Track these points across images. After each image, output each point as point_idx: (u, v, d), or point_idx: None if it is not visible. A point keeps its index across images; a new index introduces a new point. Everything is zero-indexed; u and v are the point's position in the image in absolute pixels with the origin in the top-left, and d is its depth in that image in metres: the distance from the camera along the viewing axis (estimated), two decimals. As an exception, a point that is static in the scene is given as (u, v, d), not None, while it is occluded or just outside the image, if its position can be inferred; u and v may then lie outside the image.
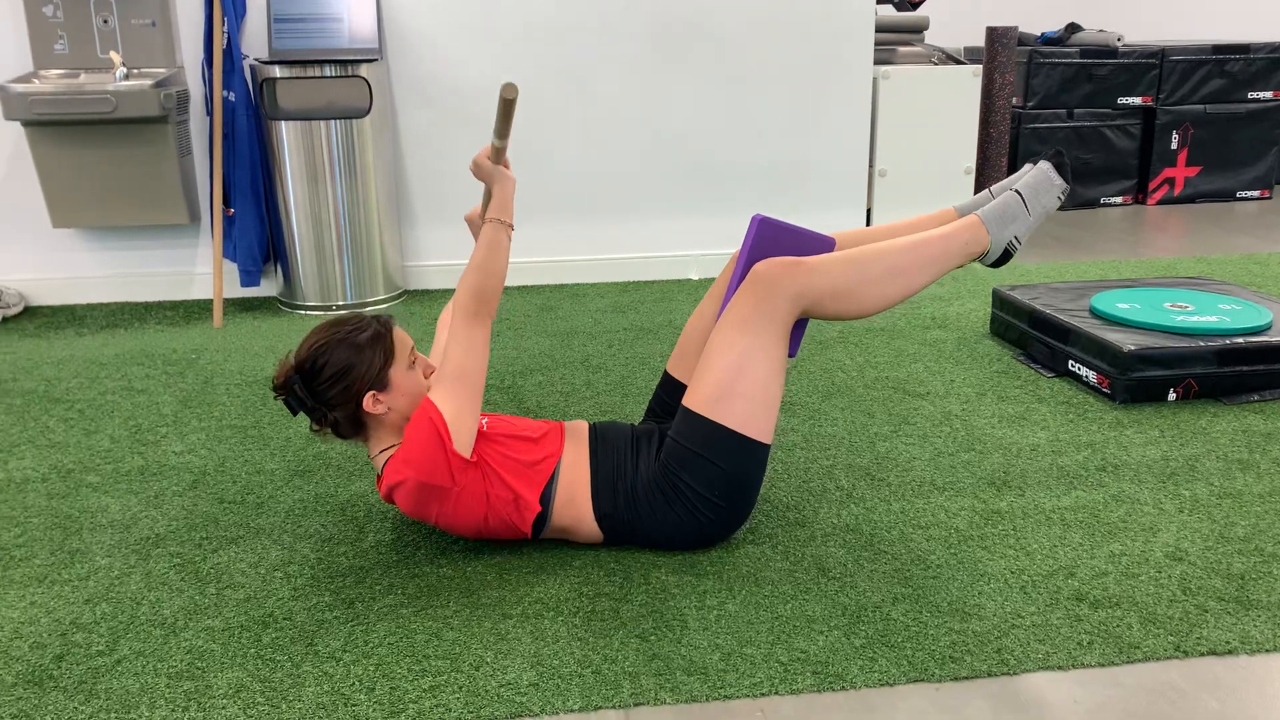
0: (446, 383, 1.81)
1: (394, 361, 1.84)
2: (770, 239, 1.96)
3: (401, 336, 1.88)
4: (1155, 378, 2.64)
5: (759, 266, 1.88)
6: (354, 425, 1.86)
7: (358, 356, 1.81)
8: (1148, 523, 2.03)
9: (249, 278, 3.75)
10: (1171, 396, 2.66)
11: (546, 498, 1.89)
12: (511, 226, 1.91)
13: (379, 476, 1.88)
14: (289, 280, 3.75)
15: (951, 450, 2.39)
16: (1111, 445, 2.41)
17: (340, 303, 3.72)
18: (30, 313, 3.74)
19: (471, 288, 1.84)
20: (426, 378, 1.90)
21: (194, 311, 3.72)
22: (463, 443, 1.80)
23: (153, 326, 3.54)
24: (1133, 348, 2.63)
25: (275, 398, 1.87)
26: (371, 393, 1.82)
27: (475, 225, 2.02)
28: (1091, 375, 2.75)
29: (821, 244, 1.98)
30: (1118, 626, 1.68)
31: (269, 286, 3.91)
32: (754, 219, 1.97)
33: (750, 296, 1.87)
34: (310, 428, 1.91)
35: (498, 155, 1.93)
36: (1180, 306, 2.89)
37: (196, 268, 3.87)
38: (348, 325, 1.85)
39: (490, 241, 1.87)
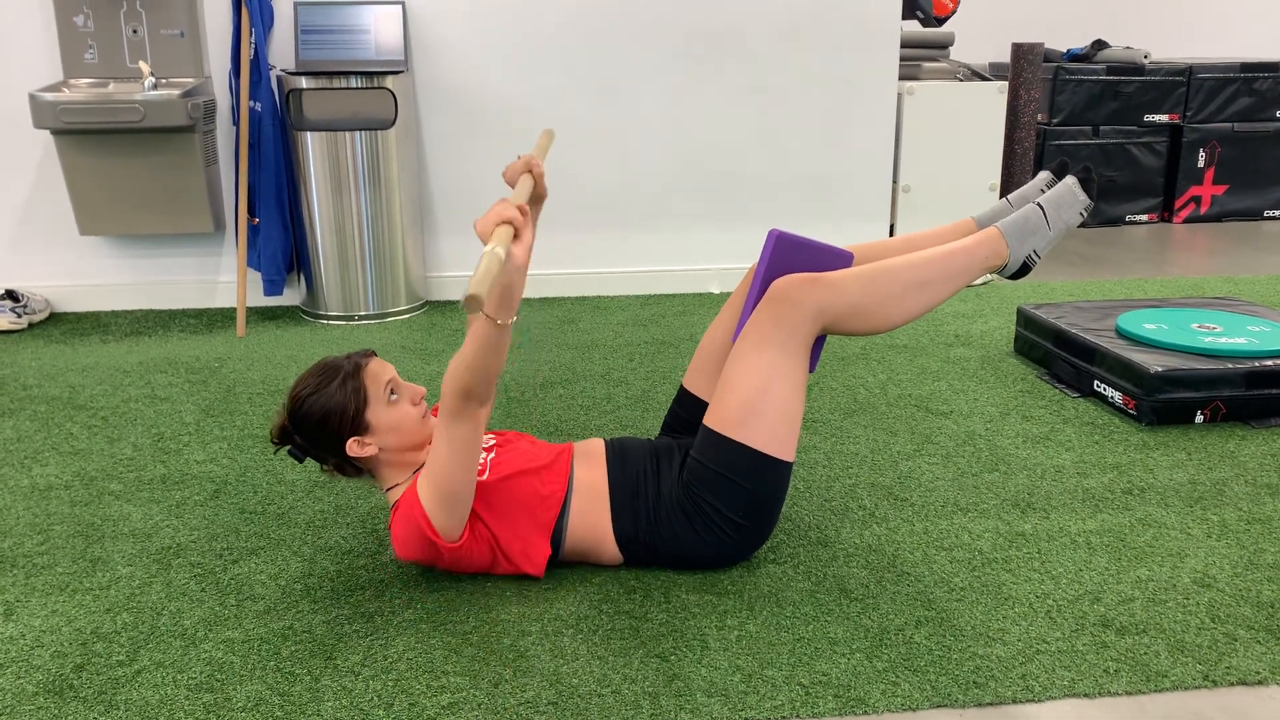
0: (433, 480, 1.73)
1: (369, 403, 1.81)
2: (787, 255, 1.95)
3: (376, 372, 1.84)
4: (1182, 400, 2.61)
5: (777, 284, 1.87)
6: (354, 467, 1.86)
7: (330, 403, 1.79)
8: (1175, 548, 2.00)
9: (272, 287, 3.77)
10: (1199, 419, 2.63)
11: (558, 533, 1.87)
12: (509, 326, 1.60)
13: (391, 516, 1.85)
14: (312, 290, 3.76)
15: (975, 470, 2.37)
16: (1138, 468, 2.38)
17: (362, 312, 3.73)
18: (55, 319, 3.76)
19: (459, 387, 1.64)
20: (415, 405, 1.87)
21: (217, 320, 3.74)
22: (449, 531, 1.76)
23: (176, 334, 3.56)
24: (1160, 369, 2.60)
25: (275, 452, 1.89)
26: (354, 439, 1.80)
27: (512, 179, 1.76)
28: (1117, 396, 2.72)
29: (839, 258, 1.97)
30: (1145, 654, 1.66)
31: (292, 296, 3.93)
32: (770, 234, 1.96)
33: (770, 315, 1.86)
34: (320, 469, 1.91)
35: (534, 204, 1.81)
36: (1208, 327, 2.86)
37: (220, 276, 3.89)
38: (321, 373, 1.83)
39: (484, 341, 1.59)
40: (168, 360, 3.25)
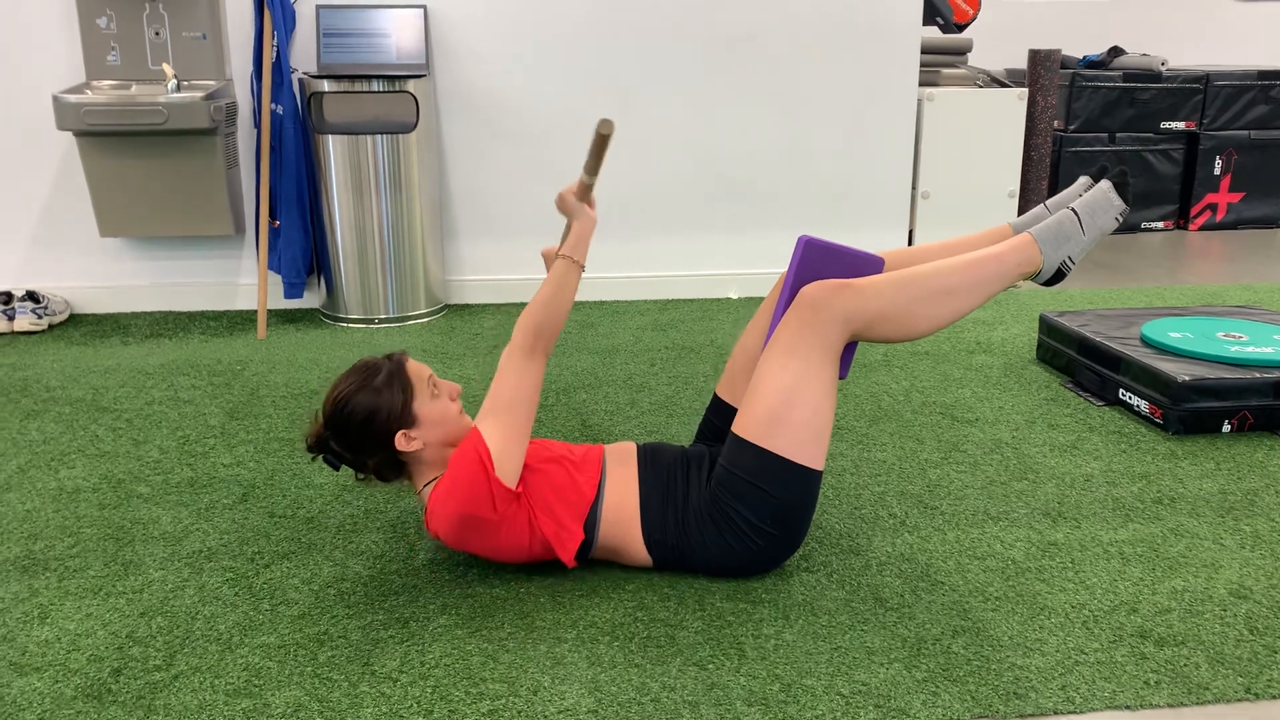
0: (495, 415, 1.82)
1: (415, 396, 1.85)
2: (817, 260, 1.94)
3: (416, 369, 1.89)
4: (1210, 409, 2.60)
5: (806, 290, 1.86)
6: (394, 467, 1.88)
7: (379, 399, 1.82)
8: (1209, 558, 2.00)
9: (292, 290, 3.77)
10: (1226, 428, 2.62)
11: (591, 523, 1.88)
12: (583, 266, 1.91)
13: (425, 510, 1.87)
14: (332, 293, 3.77)
15: (1004, 479, 2.37)
16: (1166, 477, 2.37)
17: (382, 316, 3.73)
18: (75, 320, 3.77)
19: (532, 325, 1.85)
20: (454, 400, 1.91)
21: (237, 322, 3.74)
22: (507, 473, 1.79)
23: (197, 336, 3.56)
24: (1187, 378, 2.59)
25: (312, 459, 1.90)
26: (402, 432, 1.83)
27: (549, 261, 1.98)
28: (1143, 405, 2.71)
29: (870, 264, 1.96)
30: (1185, 666, 1.65)
31: (312, 299, 3.93)
32: (800, 240, 1.95)
33: (798, 321, 1.85)
34: (355, 478, 1.92)
35: (585, 192, 1.95)
36: (1234, 336, 2.85)
37: (240, 279, 3.89)
38: (362, 372, 1.86)
39: (560, 279, 1.88)
40: (189, 363, 3.25)
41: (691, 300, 4.05)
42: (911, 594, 1.87)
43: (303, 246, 3.73)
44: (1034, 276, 1.97)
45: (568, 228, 1.96)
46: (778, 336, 1.87)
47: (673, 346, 3.42)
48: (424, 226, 3.75)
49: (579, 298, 4.03)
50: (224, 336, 3.57)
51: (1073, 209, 1.98)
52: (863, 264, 1.96)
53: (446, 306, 3.96)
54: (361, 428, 1.83)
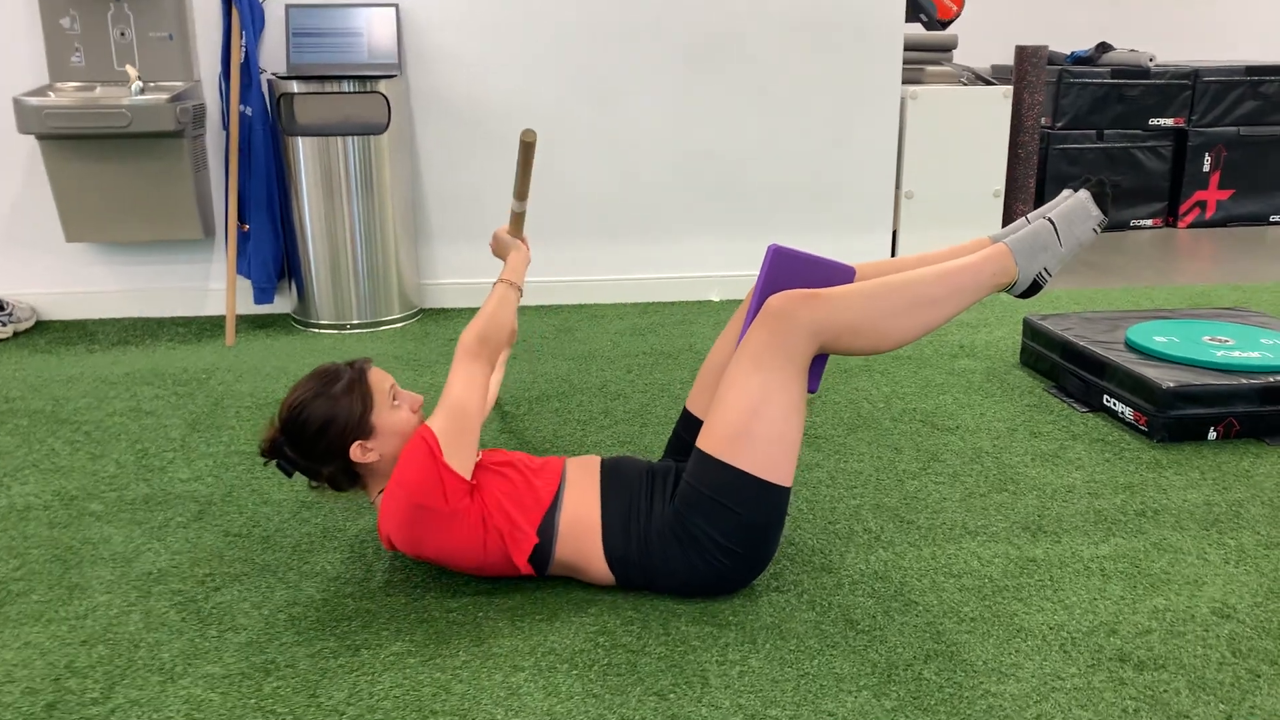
0: (445, 410, 1.78)
1: (374, 406, 1.81)
2: (786, 270, 1.88)
3: (378, 378, 1.85)
4: (1195, 416, 2.54)
5: (772, 300, 1.80)
6: (349, 477, 1.84)
7: (336, 407, 1.78)
8: (1192, 575, 1.93)
9: (263, 295, 3.69)
10: (1212, 435, 2.56)
11: (547, 530, 1.81)
12: (520, 290, 2.03)
13: (378, 515, 1.82)
14: (303, 298, 3.69)
15: (983, 491, 2.30)
16: (1150, 488, 2.31)
17: (355, 321, 3.66)
18: (41, 328, 3.69)
19: (479, 332, 1.88)
20: (414, 412, 1.87)
21: (207, 328, 3.67)
22: (457, 462, 1.75)
23: (165, 344, 3.49)
24: (1172, 384, 2.53)
25: (264, 464, 1.85)
26: (358, 442, 1.78)
27: (500, 241, 2.14)
28: (1128, 412, 2.65)
29: (841, 274, 1.90)
30: (1165, 692, 1.59)
31: (283, 304, 3.85)
32: (769, 249, 1.89)
33: (764, 332, 1.79)
34: (309, 485, 1.86)
35: (517, 225, 2.10)
36: (1220, 340, 2.79)
37: (210, 283, 3.82)
38: (321, 378, 1.82)
39: (501, 297, 1.97)
40: (154, 371, 3.17)
41: (672, 304, 3.98)
42: (884, 615, 1.80)
43: (273, 250, 3.66)
44: (1009, 289, 1.90)
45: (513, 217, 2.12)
46: (743, 349, 1.81)
47: (651, 352, 3.35)
48: (397, 229, 3.68)
49: (557, 301, 3.96)
50: (192, 344, 3.49)
51: (1049, 219, 1.91)
52: (833, 273, 1.89)
53: (421, 311, 3.89)
54: (316, 436, 1.78)
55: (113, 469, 2.46)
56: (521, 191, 2.06)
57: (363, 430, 1.79)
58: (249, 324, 3.73)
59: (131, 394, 2.97)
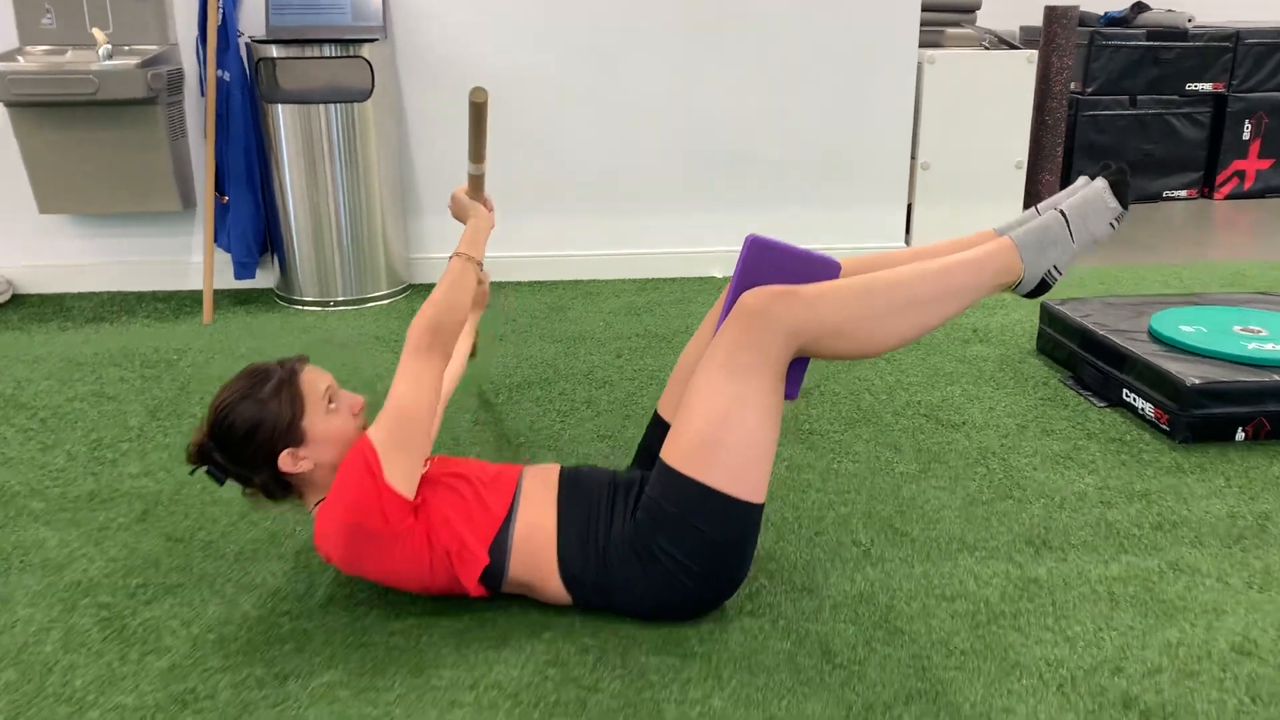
0: (387, 419, 1.61)
1: (305, 411, 1.64)
2: (765, 263, 1.70)
3: (312, 379, 1.68)
4: (1221, 415, 2.34)
5: (747, 297, 1.62)
6: (282, 486, 1.66)
7: (262, 412, 1.61)
8: (1210, 602, 1.75)
9: (243, 270, 3.54)
10: (1240, 436, 2.36)
11: (499, 547, 1.66)
12: (480, 263, 1.81)
13: (315, 530, 1.66)
14: (286, 273, 3.54)
15: (986, 498, 2.12)
16: (1169, 496, 2.12)
17: (339, 298, 3.51)
18: (17, 301, 3.57)
19: (428, 323, 1.69)
20: (355, 416, 1.70)
21: (185, 304, 3.53)
22: (397, 479, 1.59)
23: (140, 320, 3.35)
24: (1196, 381, 2.33)
25: (191, 472, 1.69)
26: (287, 450, 1.61)
27: (460, 203, 1.91)
28: (1148, 408, 2.45)
29: (824, 269, 1.71)
30: (1173, 747, 1.42)
31: (265, 279, 3.71)
32: (746, 240, 1.71)
33: (736, 333, 1.61)
34: (242, 493, 1.71)
35: (476, 187, 1.86)
36: (1251, 331, 2.58)
37: (192, 257, 3.67)
38: (250, 378, 1.66)
39: (455, 276, 1.75)
40: (124, 352, 3.04)
41: (672, 280, 3.80)
42: (865, 646, 1.64)
43: (253, 223, 3.50)
44: (1014, 288, 1.71)
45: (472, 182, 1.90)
46: (713, 350, 1.64)
47: (644, 334, 3.18)
48: (384, 201, 3.51)
49: (550, 277, 3.79)
50: (169, 321, 3.35)
51: (1061, 211, 1.71)
52: (816, 268, 1.70)
53: (410, 287, 3.73)
54: (243, 442, 1.63)
55: (62, 461, 2.33)
56: (477, 155, 1.87)
57: (293, 437, 1.63)
58: (230, 300, 3.58)
59: (96, 376, 2.84)
